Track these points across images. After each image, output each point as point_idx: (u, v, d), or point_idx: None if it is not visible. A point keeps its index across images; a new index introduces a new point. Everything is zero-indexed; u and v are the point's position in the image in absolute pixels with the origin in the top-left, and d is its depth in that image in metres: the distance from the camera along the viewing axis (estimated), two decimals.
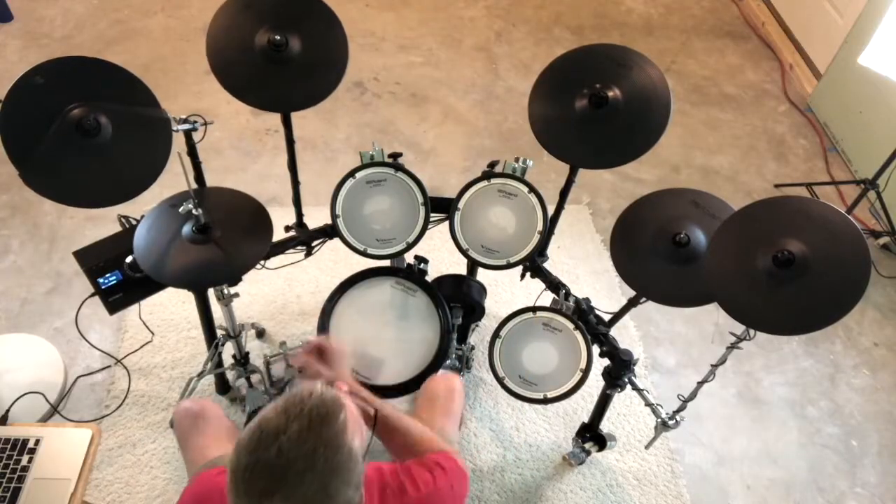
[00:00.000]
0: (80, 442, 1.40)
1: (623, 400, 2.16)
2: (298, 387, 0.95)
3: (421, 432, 1.33)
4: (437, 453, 1.25)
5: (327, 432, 0.90)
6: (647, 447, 1.98)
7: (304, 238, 1.88)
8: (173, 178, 1.51)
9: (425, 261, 1.80)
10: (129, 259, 1.60)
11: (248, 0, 1.59)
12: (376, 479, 1.12)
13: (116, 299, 1.69)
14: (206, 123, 1.64)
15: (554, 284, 1.81)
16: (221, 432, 1.46)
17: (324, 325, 1.71)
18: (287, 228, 1.93)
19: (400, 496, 1.13)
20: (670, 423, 1.67)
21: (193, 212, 1.50)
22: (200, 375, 1.91)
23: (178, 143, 1.54)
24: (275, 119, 1.76)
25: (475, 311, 2.03)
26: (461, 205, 1.74)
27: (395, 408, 1.33)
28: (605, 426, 1.96)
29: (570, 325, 1.62)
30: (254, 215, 1.65)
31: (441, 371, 1.73)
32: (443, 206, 1.77)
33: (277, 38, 1.55)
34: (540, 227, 1.70)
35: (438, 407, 1.59)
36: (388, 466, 1.18)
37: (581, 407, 2.16)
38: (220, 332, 1.91)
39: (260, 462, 0.87)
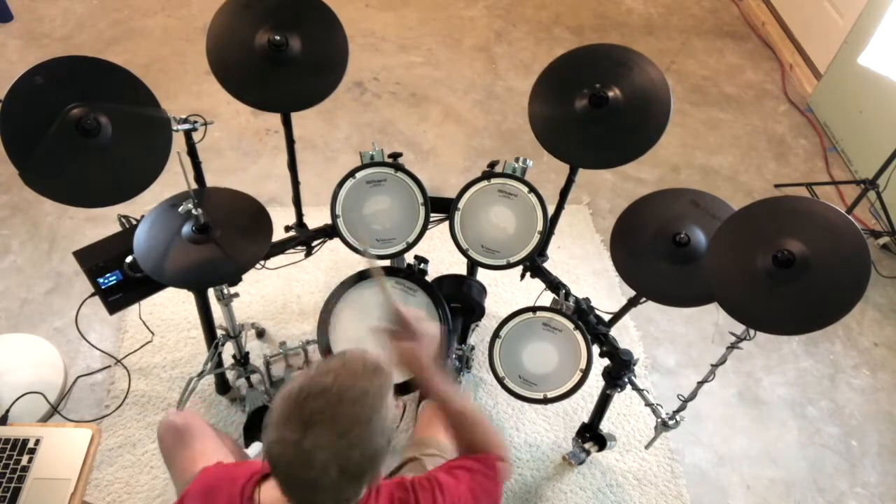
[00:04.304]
0: (80, 442, 1.40)
1: (623, 400, 2.16)
2: (353, 349, 1.04)
3: (488, 431, 1.28)
4: (468, 461, 1.21)
5: (378, 381, 0.98)
6: (647, 447, 1.98)
7: (304, 238, 1.88)
8: (173, 178, 1.51)
9: (425, 261, 1.80)
10: (129, 259, 1.60)
11: (248, 0, 1.59)
12: (377, 483, 1.11)
13: (116, 299, 1.69)
14: (206, 123, 1.64)
15: (554, 284, 1.81)
16: (208, 445, 1.44)
17: (324, 325, 1.71)
18: (287, 228, 1.93)
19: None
20: (670, 423, 1.67)
21: (193, 212, 1.50)
22: (200, 375, 1.91)
23: (179, 143, 1.54)
24: (275, 119, 1.76)
25: (475, 311, 2.03)
26: (461, 205, 1.74)
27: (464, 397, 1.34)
28: (605, 426, 1.96)
29: (570, 325, 1.62)
30: (254, 215, 1.65)
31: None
32: (443, 206, 1.77)
33: (277, 38, 1.55)
34: (540, 227, 1.70)
35: (442, 423, 1.58)
36: (394, 479, 1.17)
37: (581, 407, 2.16)
38: (220, 332, 1.91)
39: (315, 385, 0.93)
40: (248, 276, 1.63)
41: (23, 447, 1.39)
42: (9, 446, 1.38)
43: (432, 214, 1.75)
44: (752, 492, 2.04)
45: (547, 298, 1.86)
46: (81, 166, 1.42)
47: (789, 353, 2.41)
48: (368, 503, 1.05)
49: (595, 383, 1.89)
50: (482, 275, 2.08)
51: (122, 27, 3.47)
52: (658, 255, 1.60)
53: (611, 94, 1.57)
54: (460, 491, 1.14)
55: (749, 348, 2.37)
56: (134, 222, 1.68)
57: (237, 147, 2.92)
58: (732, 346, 1.49)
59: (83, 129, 1.38)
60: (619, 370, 1.66)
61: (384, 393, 0.98)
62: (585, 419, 1.95)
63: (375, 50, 3.52)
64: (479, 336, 2.29)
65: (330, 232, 1.84)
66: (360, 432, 0.93)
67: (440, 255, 2.51)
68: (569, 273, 2.56)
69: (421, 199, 1.73)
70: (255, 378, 2.05)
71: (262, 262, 1.72)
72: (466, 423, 1.26)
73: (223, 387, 2.07)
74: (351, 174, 1.72)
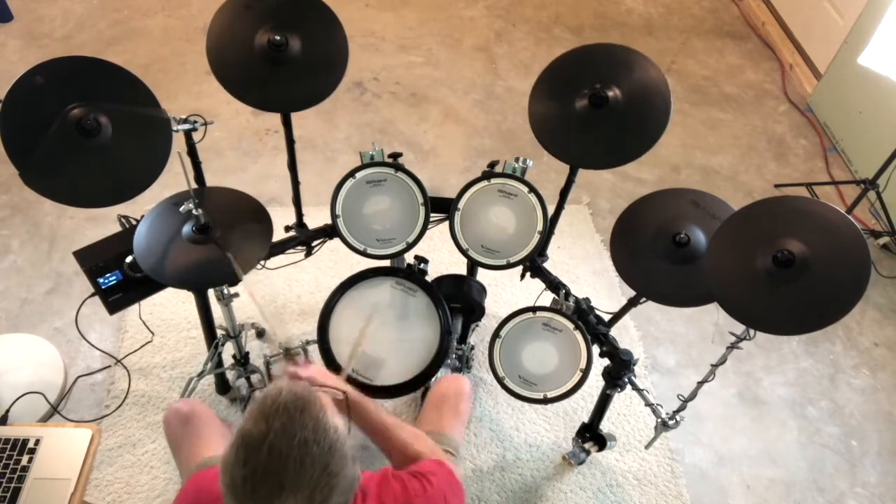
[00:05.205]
0: (80, 442, 1.40)
1: (623, 400, 2.16)
2: (264, 391, 0.95)
3: (411, 434, 1.33)
4: (430, 461, 1.24)
5: (310, 419, 0.91)
6: (647, 447, 1.98)
7: (304, 238, 1.88)
8: (173, 178, 1.51)
9: (425, 261, 1.80)
10: (129, 259, 1.60)
11: (248, 0, 1.59)
12: (361, 484, 1.11)
13: (116, 299, 1.69)
14: (206, 123, 1.64)
15: (554, 284, 1.81)
16: (213, 434, 1.45)
17: (324, 325, 1.71)
18: (287, 228, 1.93)
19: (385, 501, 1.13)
20: (670, 423, 1.67)
21: (193, 212, 1.50)
22: (200, 375, 1.91)
23: (179, 143, 1.54)
24: (275, 119, 1.76)
25: (475, 311, 2.03)
26: (461, 205, 1.74)
27: (379, 407, 1.34)
28: (605, 426, 1.96)
29: (570, 325, 1.62)
30: (254, 215, 1.65)
31: (449, 373, 1.72)
32: (443, 206, 1.77)
33: (277, 38, 1.55)
34: (540, 227, 1.70)
35: (447, 409, 1.58)
36: (378, 474, 1.18)
37: (581, 407, 2.16)
38: (220, 332, 1.91)
39: (256, 470, 0.87)
40: (248, 277, 1.63)
41: (23, 447, 1.39)
42: (9, 446, 1.38)
43: (432, 214, 1.75)
44: (752, 492, 2.04)
45: (547, 298, 1.86)
46: (81, 166, 1.42)
47: (789, 353, 2.41)
48: None
49: (595, 383, 1.89)
50: (482, 275, 2.08)
51: (122, 27, 3.47)
52: (658, 255, 1.60)
53: (611, 94, 1.57)
54: (442, 481, 1.16)
55: (749, 348, 2.37)
56: (134, 222, 1.68)
57: (237, 147, 2.92)
58: (732, 346, 1.49)
59: (83, 129, 1.38)
60: (619, 370, 1.66)
61: (322, 423, 0.91)
62: (585, 419, 1.95)
63: (375, 50, 3.52)
64: (479, 336, 2.29)
65: (330, 232, 1.84)
66: (327, 482, 0.89)
67: (440, 255, 2.51)
68: (569, 273, 2.56)
69: (421, 199, 1.73)
70: (255, 378, 2.05)
71: (262, 262, 1.72)
72: (396, 435, 1.30)
73: (223, 387, 2.07)
74: (351, 174, 1.72)
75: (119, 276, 1.65)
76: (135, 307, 2.16)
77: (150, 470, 1.91)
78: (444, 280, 2.00)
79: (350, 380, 1.63)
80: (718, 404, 2.24)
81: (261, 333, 2.24)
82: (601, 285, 2.54)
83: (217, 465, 1.15)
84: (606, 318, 1.82)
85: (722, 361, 1.55)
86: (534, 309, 1.66)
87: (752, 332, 1.42)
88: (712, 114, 3.36)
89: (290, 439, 0.88)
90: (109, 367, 2.13)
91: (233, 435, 0.92)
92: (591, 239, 2.71)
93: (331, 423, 0.93)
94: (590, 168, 1.75)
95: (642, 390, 1.71)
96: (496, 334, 1.68)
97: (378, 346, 1.71)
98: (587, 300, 1.77)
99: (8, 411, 1.83)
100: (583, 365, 1.61)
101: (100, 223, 2.50)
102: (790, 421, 2.22)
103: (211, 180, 1.82)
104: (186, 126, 1.57)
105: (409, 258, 1.84)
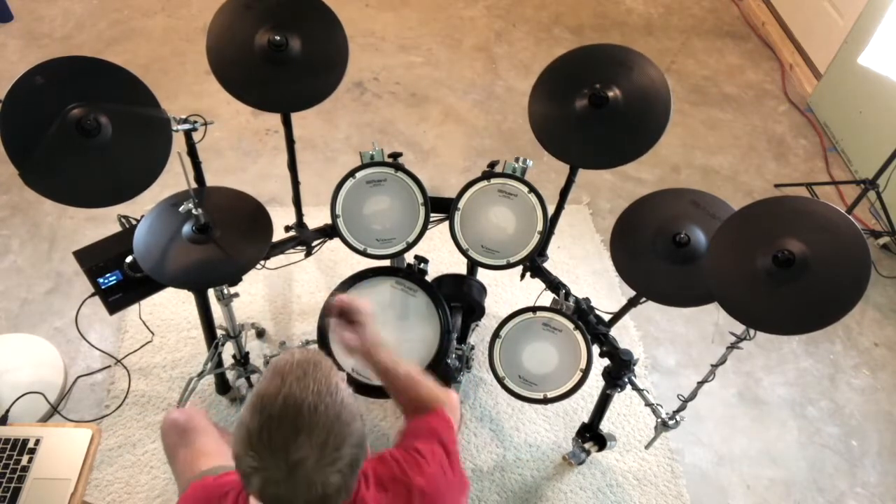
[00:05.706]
0: (80, 442, 1.40)
1: (623, 400, 2.16)
2: (276, 358, 1.00)
3: (428, 386, 1.32)
4: (432, 414, 1.24)
5: (322, 374, 0.95)
6: (647, 447, 1.98)
7: (304, 238, 1.88)
8: (173, 178, 1.51)
9: (425, 261, 1.80)
10: (129, 259, 1.60)
11: (248, 0, 1.59)
12: (363, 469, 1.11)
13: (116, 299, 1.69)
14: (206, 123, 1.64)
15: (554, 284, 1.81)
16: (210, 444, 1.44)
17: (324, 325, 1.71)
18: (287, 228, 1.93)
19: (396, 482, 1.13)
20: (670, 423, 1.67)
21: (193, 212, 1.50)
22: (200, 375, 1.91)
23: (179, 143, 1.54)
24: (275, 119, 1.76)
25: (475, 311, 2.03)
26: (461, 205, 1.74)
27: (394, 360, 1.33)
28: (605, 426, 1.96)
29: (570, 325, 1.62)
30: (254, 215, 1.65)
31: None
32: (443, 206, 1.77)
33: (277, 38, 1.55)
34: (540, 226, 1.70)
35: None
36: (374, 457, 1.17)
37: (581, 407, 2.16)
38: (220, 332, 1.91)
39: (272, 417, 0.90)
40: (248, 276, 1.63)
41: (23, 447, 1.39)
42: (9, 446, 1.38)
43: (432, 214, 1.75)
44: (752, 492, 2.04)
45: (547, 298, 1.87)
46: (81, 166, 1.42)
47: (789, 353, 2.41)
48: (360, 493, 1.05)
49: (595, 383, 1.89)
50: (482, 275, 2.08)
51: (122, 27, 3.47)
52: (658, 255, 1.60)
53: (611, 94, 1.57)
54: (437, 452, 1.16)
55: (749, 348, 2.37)
56: (134, 222, 1.68)
57: (237, 147, 2.92)
58: (732, 346, 1.49)
59: (83, 129, 1.38)
60: (619, 370, 1.66)
61: (333, 380, 0.96)
62: (585, 419, 1.95)
63: (375, 50, 3.52)
64: (479, 336, 2.29)
65: (330, 232, 1.84)
66: (340, 429, 0.92)
67: (440, 255, 2.51)
68: (569, 273, 2.56)
69: (421, 199, 1.73)
70: (255, 378, 2.05)
71: (262, 262, 1.72)
72: (412, 382, 1.30)
73: (223, 387, 2.07)
74: (351, 174, 1.72)
75: (119, 276, 1.65)
76: (135, 307, 2.16)
77: (150, 470, 1.91)
78: (444, 280, 1.99)
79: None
80: (718, 404, 2.24)
81: (261, 333, 2.24)
82: (601, 285, 2.54)
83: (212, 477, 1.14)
84: (606, 318, 1.82)
85: (722, 361, 1.55)
86: (534, 309, 1.66)
87: (752, 332, 1.42)
88: (712, 114, 3.36)
89: (304, 389, 0.92)
90: (109, 367, 2.13)
91: (248, 399, 0.95)
92: (591, 239, 2.71)
93: (341, 383, 0.97)
94: (590, 168, 1.75)
95: (642, 390, 1.71)
96: (496, 334, 1.68)
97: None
98: (587, 300, 1.77)
99: (8, 411, 1.83)
100: (583, 365, 1.61)
101: (100, 223, 2.50)
102: (790, 421, 2.22)
103: (211, 180, 1.82)
104: (186, 126, 1.57)
105: (409, 258, 1.84)
